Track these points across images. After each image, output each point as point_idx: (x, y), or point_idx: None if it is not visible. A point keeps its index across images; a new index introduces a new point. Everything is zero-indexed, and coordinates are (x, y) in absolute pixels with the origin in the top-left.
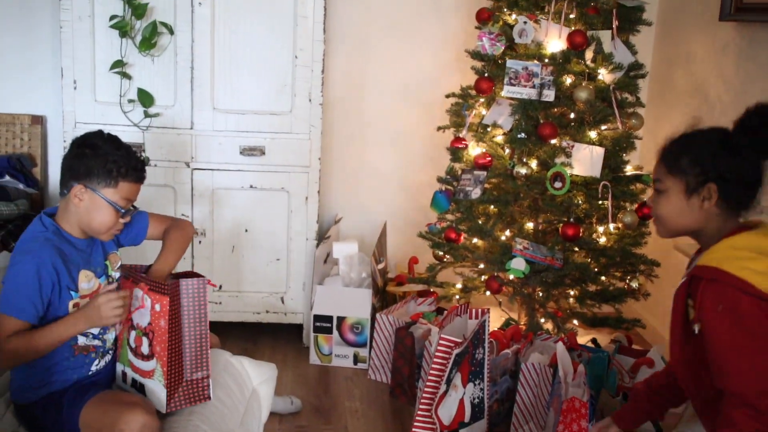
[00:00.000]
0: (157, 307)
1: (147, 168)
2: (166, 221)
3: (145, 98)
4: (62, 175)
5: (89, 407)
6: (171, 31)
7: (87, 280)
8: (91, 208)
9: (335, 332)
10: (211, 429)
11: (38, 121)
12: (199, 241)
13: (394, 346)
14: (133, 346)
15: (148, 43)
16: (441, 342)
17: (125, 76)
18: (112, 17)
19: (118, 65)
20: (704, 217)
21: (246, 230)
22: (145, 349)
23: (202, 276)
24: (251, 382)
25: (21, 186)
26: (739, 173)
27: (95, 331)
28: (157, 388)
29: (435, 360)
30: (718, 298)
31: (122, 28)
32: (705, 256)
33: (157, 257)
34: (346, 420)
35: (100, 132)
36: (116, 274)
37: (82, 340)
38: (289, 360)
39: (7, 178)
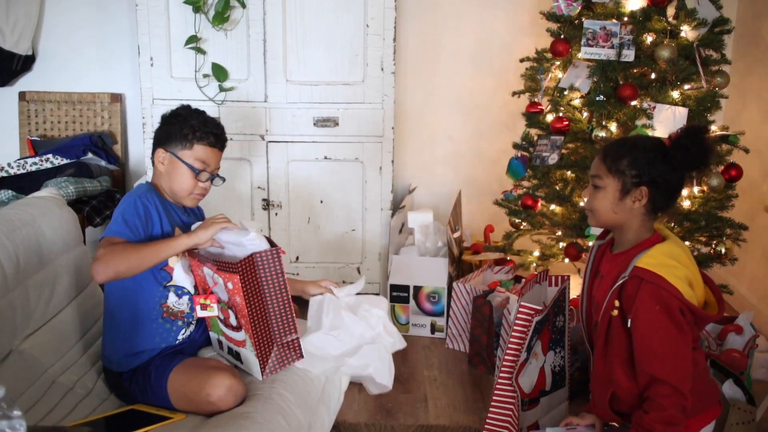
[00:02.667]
0: (230, 285)
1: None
2: None
3: (220, 73)
4: (152, 147)
5: (175, 373)
6: (243, 5)
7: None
8: (171, 171)
9: (412, 302)
10: (294, 396)
11: (117, 99)
12: (276, 213)
13: (471, 314)
14: (221, 317)
15: (220, 18)
16: (521, 309)
17: (199, 51)
18: None
19: (193, 41)
20: (630, 215)
21: (321, 201)
22: (233, 320)
23: (275, 246)
24: None
25: (103, 163)
26: (668, 181)
27: (184, 301)
28: (251, 357)
29: (515, 328)
30: (655, 299)
31: (195, 4)
32: (643, 260)
33: None
34: (425, 388)
35: (187, 105)
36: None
37: (172, 300)
38: None
39: (90, 155)
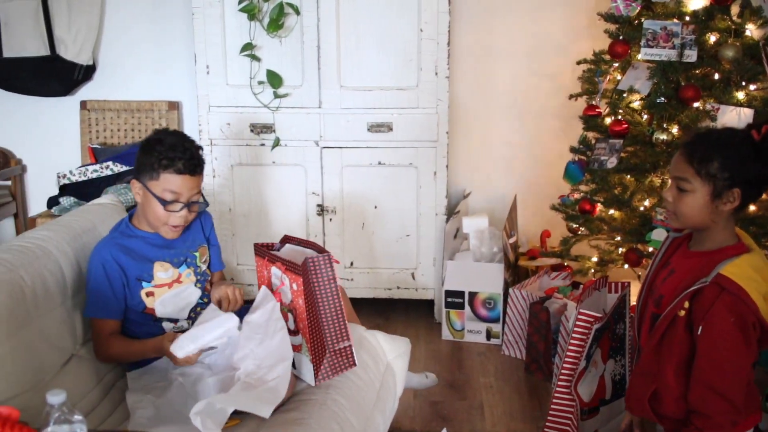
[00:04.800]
0: (294, 286)
1: (278, 148)
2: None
3: (274, 79)
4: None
5: None
6: (297, 12)
7: (164, 270)
8: (145, 203)
9: (467, 307)
10: (348, 402)
11: (174, 106)
12: (330, 219)
13: (528, 321)
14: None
15: (275, 25)
16: (580, 317)
17: (254, 58)
18: (241, 1)
19: (248, 48)
20: (718, 217)
21: (375, 207)
22: (291, 324)
23: (326, 251)
24: (386, 357)
25: None
26: (761, 178)
27: (182, 324)
28: (306, 362)
29: (574, 336)
30: (733, 311)
31: (250, 11)
32: (729, 269)
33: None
34: (481, 395)
35: (163, 129)
36: (204, 267)
37: (168, 328)
38: (422, 335)
39: None
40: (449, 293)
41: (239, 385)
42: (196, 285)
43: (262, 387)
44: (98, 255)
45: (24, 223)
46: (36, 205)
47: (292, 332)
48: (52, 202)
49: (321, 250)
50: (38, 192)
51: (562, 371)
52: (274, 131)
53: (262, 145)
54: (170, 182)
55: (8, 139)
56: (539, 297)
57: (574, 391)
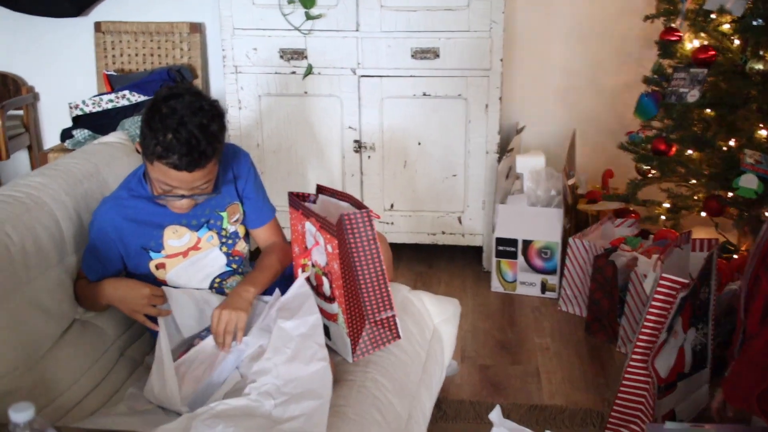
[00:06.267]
0: (329, 248)
1: (311, 77)
2: (276, 237)
3: None
4: None
5: None
6: None
7: (176, 237)
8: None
9: (520, 257)
10: (391, 383)
11: (197, 29)
12: (368, 156)
13: (591, 276)
14: (314, 284)
15: None
16: (662, 282)
17: None
18: None
19: None
20: None
21: (419, 143)
22: (326, 289)
23: (365, 207)
24: (432, 322)
25: None
26: None
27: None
28: (341, 334)
29: (654, 304)
30: None
31: None
32: None
33: (245, 277)
34: (536, 359)
35: (171, 94)
36: (233, 228)
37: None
38: (468, 286)
39: None
40: (500, 241)
41: (245, 405)
42: (221, 249)
43: (287, 426)
44: (98, 217)
45: (38, 157)
46: (51, 137)
47: (327, 299)
48: (66, 134)
49: (359, 204)
50: (52, 123)
51: (638, 344)
52: (305, 57)
53: (293, 73)
54: (165, 174)
55: (19, 65)
56: (603, 248)
57: (651, 367)
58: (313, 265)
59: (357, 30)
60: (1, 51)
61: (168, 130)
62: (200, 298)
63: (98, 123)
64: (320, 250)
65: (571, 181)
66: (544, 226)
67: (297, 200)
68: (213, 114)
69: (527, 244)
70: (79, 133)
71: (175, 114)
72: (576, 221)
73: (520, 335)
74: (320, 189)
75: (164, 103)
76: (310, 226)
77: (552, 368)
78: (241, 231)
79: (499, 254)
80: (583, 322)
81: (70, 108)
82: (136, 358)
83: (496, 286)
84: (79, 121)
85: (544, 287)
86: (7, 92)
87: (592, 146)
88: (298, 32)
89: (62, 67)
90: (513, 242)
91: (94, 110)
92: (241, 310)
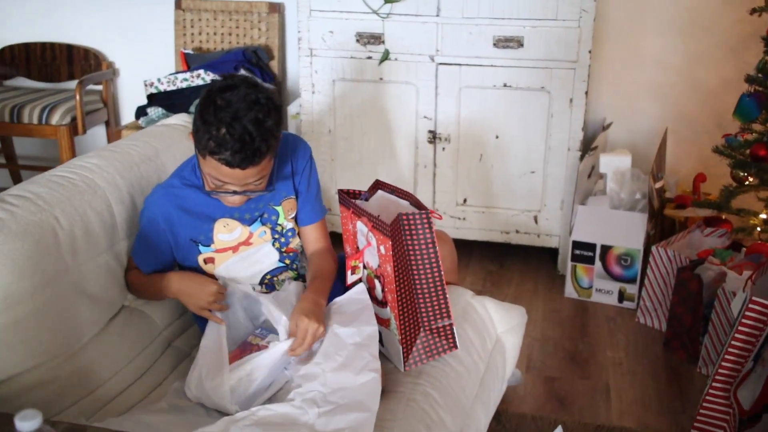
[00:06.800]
0: (382, 249)
1: (387, 62)
2: (325, 240)
3: None
4: None
5: None
6: None
7: (227, 231)
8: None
9: (598, 263)
10: (443, 397)
11: (275, 9)
12: (443, 148)
13: (674, 288)
14: (366, 287)
15: None
16: (752, 306)
17: None
18: None
19: None
20: None
21: (496, 136)
22: (378, 293)
23: (425, 207)
24: (495, 330)
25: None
26: None
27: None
28: (393, 341)
29: (741, 329)
30: None
31: None
32: None
33: (313, 286)
34: (607, 374)
35: (226, 85)
36: (289, 224)
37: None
38: (540, 290)
39: (243, 72)
40: (578, 244)
41: (287, 412)
42: (273, 245)
43: None
44: (149, 206)
45: (114, 133)
46: (129, 113)
47: (380, 303)
48: (140, 112)
49: (419, 204)
50: (131, 99)
51: (720, 370)
52: (383, 42)
53: (369, 58)
54: (216, 170)
55: (101, 40)
56: (689, 260)
57: (734, 397)
58: (364, 267)
59: (437, 15)
60: (84, 26)
61: (222, 124)
62: (252, 296)
63: (172, 102)
64: (372, 252)
65: (658, 184)
66: (625, 231)
67: (347, 198)
68: (269, 108)
69: (606, 249)
70: (153, 111)
71: (229, 107)
72: (661, 228)
73: (591, 347)
74: (379, 184)
75: (219, 94)
76: (361, 226)
77: (624, 386)
78: (297, 228)
79: (575, 258)
80: (662, 338)
81: (145, 85)
82: (184, 349)
83: (570, 291)
84: (154, 99)
85: (622, 296)
86: (88, 67)
87: (684, 147)
88: (376, 15)
89: (142, 43)
90: (591, 246)
91: (168, 89)
92: (322, 324)
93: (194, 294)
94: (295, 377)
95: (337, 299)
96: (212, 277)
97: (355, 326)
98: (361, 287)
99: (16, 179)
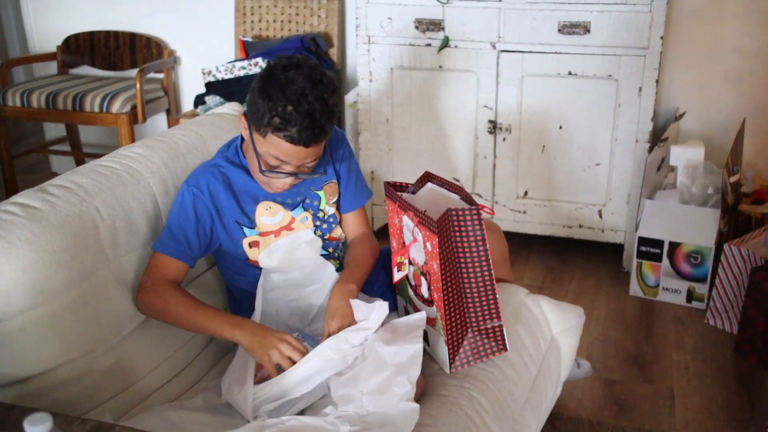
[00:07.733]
0: (429, 246)
1: (447, 50)
2: (365, 227)
3: None
4: None
5: None
6: None
7: (270, 213)
8: (248, 149)
9: (665, 260)
10: (490, 402)
11: None
12: (503, 139)
13: (747, 289)
14: (413, 283)
15: None
16: None
17: None
18: None
19: None
20: None
21: (560, 127)
22: (424, 291)
23: (476, 203)
24: (550, 332)
25: None
26: None
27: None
28: (439, 341)
29: None
30: None
31: None
32: None
33: (345, 273)
34: (672, 379)
35: (289, 64)
36: (331, 210)
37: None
38: (603, 287)
39: None
40: (644, 241)
41: (318, 426)
42: (315, 233)
43: None
44: (194, 182)
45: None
46: (190, 102)
47: (426, 301)
48: (199, 100)
49: (469, 199)
50: (192, 88)
51: None
52: (442, 29)
53: (428, 45)
54: (278, 148)
55: (163, 28)
56: (764, 259)
57: None
58: (410, 263)
59: (500, 0)
60: (147, 14)
61: (287, 101)
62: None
63: (230, 90)
64: (418, 248)
65: (734, 178)
66: (696, 228)
67: (394, 191)
68: (332, 88)
69: (674, 246)
70: (211, 100)
71: (295, 84)
72: (735, 224)
73: (656, 349)
74: (428, 176)
75: (283, 72)
76: (407, 221)
77: (690, 391)
78: (338, 215)
79: (641, 255)
80: (733, 341)
81: (203, 74)
82: (226, 344)
83: (635, 290)
84: (212, 87)
85: (691, 296)
86: (150, 55)
87: (762, 139)
88: (436, 1)
89: (203, 31)
90: (658, 243)
91: (226, 77)
92: (349, 316)
93: (262, 346)
94: (333, 396)
95: (396, 321)
96: (255, 264)
97: (398, 344)
98: (423, 314)
99: None
